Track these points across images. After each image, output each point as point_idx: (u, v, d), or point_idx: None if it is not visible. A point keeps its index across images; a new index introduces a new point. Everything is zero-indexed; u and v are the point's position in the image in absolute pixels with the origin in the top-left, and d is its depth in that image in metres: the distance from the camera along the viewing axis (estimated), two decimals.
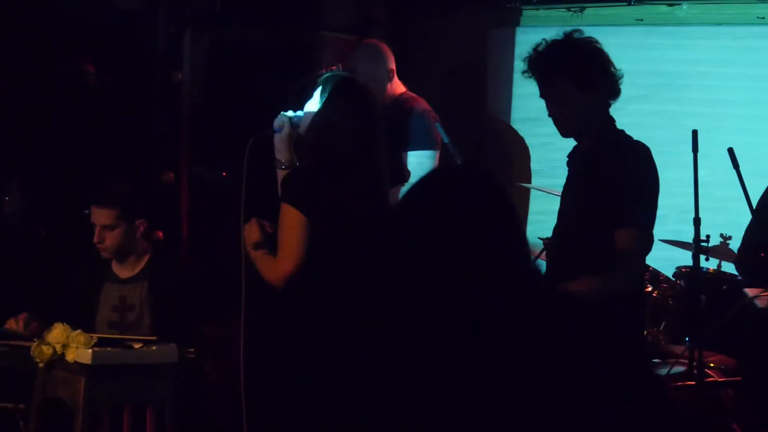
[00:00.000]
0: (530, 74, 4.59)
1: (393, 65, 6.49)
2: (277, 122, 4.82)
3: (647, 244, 4.52)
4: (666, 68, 7.62)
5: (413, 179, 5.99)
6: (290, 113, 4.81)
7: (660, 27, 7.63)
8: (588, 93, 4.50)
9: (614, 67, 4.57)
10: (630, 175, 4.48)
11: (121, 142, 7.04)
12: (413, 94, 6.56)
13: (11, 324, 5.39)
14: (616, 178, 4.45)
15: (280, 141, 4.85)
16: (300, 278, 4.54)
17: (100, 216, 5.51)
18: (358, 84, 4.92)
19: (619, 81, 4.57)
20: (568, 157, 4.73)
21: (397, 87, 6.50)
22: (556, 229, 4.80)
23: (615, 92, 4.58)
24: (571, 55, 4.53)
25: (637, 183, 4.48)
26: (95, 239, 5.52)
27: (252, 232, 4.74)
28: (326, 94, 4.69)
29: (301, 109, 4.81)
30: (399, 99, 6.48)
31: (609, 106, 4.60)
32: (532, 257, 4.12)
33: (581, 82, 4.49)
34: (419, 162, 6.21)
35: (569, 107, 4.53)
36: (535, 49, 4.58)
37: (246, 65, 7.36)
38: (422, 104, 6.51)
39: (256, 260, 4.70)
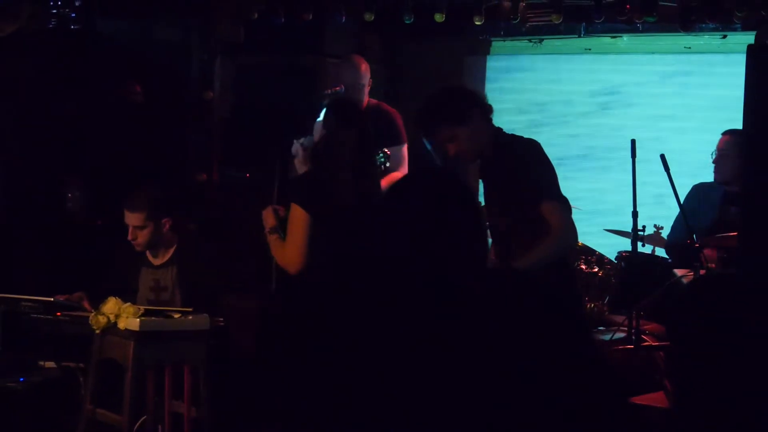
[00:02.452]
0: (423, 135, 4.60)
1: (369, 76, 6.43)
2: (293, 149, 4.91)
3: (565, 205, 4.52)
4: (609, 89, 7.64)
5: (391, 170, 5.98)
6: (302, 140, 4.88)
7: (605, 55, 7.64)
8: (466, 127, 4.48)
9: (478, 95, 4.57)
10: (529, 163, 4.48)
11: (163, 148, 7.06)
12: (380, 101, 6.52)
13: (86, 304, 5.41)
14: (521, 169, 4.47)
15: (298, 162, 4.96)
16: (306, 266, 4.59)
17: (132, 218, 5.48)
18: (349, 102, 4.94)
19: (486, 100, 4.56)
20: (479, 171, 4.73)
21: (367, 96, 6.45)
22: (491, 232, 4.81)
23: (487, 111, 4.56)
24: (440, 107, 4.52)
25: (537, 167, 4.48)
26: (129, 237, 5.48)
27: (268, 217, 4.78)
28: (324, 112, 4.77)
29: (308, 134, 4.90)
30: (371, 105, 6.41)
31: (490, 122, 4.57)
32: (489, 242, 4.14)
33: (456, 122, 4.48)
34: (396, 155, 6.17)
35: (459, 144, 4.53)
36: (416, 118, 4.59)
37: (265, 85, 7.37)
38: (390, 107, 6.48)
39: (270, 242, 4.75)
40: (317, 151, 4.77)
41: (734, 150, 6.08)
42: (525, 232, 4.47)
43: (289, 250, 4.61)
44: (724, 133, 6.23)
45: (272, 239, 4.73)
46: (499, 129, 4.62)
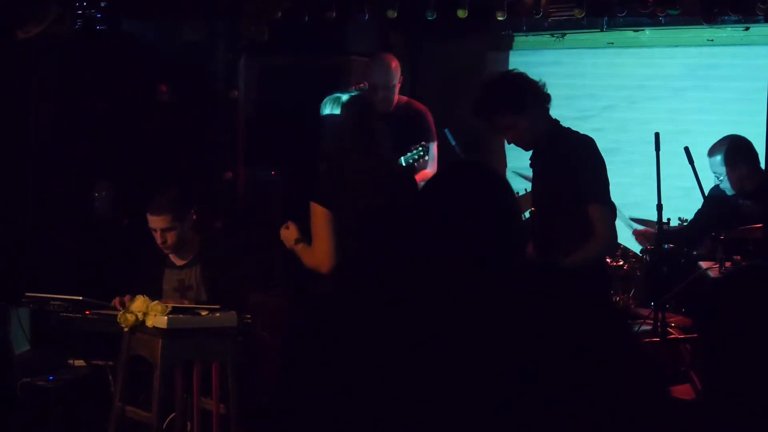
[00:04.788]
0: (480, 119, 4.56)
1: (399, 74, 6.40)
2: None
3: (612, 211, 4.51)
4: (632, 82, 7.59)
5: (423, 167, 5.98)
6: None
7: (627, 49, 7.59)
8: (526, 115, 4.46)
9: (538, 84, 4.51)
10: (584, 161, 4.46)
11: (189, 147, 7.06)
12: (409, 98, 6.51)
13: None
14: (574, 166, 4.43)
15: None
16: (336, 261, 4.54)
17: (158, 222, 5.38)
18: (357, 101, 4.85)
19: (545, 88, 4.51)
20: (530, 159, 4.69)
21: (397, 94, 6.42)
22: (533, 218, 4.77)
23: (546, 100, 4.52)
24: (502, 94, 4.48)
25: (591, 167, 4.46)
26: (159, 241, 5.40)
27: (289, 233, 4.71)
28: (330, 111, 4.69)
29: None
30: (400, 102, 6.39)
31: (547, 111, 4.53)
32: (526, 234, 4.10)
33: (517, 111, 4.45)
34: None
35: (518, 132, 4.51)
36: (476, 101, 4.53)
37: (289, 85, 7.37)
38: (420, 105, 6.46)
39: (298, 252, 4.67)
40: (324, 147, 4.73)
41: (720, 166, 6.06)
42: (565, 227, 4.44)
43: (318, 250, 4.54)
44: (711, 155, 6.14)
45: (300, 249, 4.66)
46: (556, 120, 4.58)
